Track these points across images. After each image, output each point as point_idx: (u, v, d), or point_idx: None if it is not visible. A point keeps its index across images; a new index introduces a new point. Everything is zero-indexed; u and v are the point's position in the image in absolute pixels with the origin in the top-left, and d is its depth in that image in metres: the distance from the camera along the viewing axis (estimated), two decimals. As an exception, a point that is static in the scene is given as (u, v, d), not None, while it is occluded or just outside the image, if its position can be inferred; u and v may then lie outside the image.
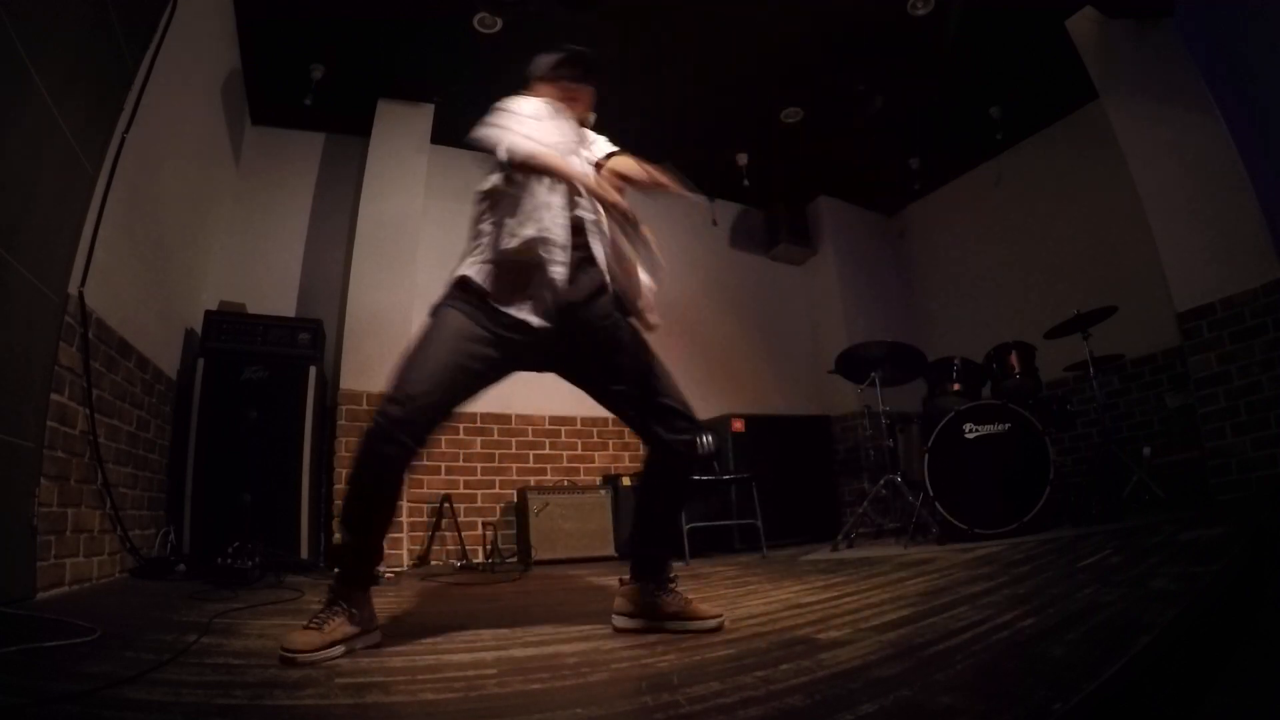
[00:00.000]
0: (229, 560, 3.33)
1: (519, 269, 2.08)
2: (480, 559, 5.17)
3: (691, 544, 4.58)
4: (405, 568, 4.83)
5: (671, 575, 2.14)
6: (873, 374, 4.92)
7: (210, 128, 4.76)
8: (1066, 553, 2.95)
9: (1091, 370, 4.63)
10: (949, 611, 1.92)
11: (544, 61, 2.61)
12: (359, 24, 4.87)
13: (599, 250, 2.19)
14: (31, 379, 2.55)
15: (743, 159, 6.66)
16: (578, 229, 2.15)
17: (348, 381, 5.07)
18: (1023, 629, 1.60)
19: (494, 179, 2.19)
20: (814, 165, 7.07)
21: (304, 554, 4.35)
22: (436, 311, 2.17)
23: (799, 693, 1.24)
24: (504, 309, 2.05)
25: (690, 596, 2.09)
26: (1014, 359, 4.74)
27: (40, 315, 2.59)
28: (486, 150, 2.13)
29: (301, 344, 4.66)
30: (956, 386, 4.83)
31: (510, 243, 2.08)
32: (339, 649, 1.72)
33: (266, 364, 4.44)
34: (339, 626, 1.76)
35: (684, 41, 5.23)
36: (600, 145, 2.47)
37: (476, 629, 2.17)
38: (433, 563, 5.20)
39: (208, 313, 4.48)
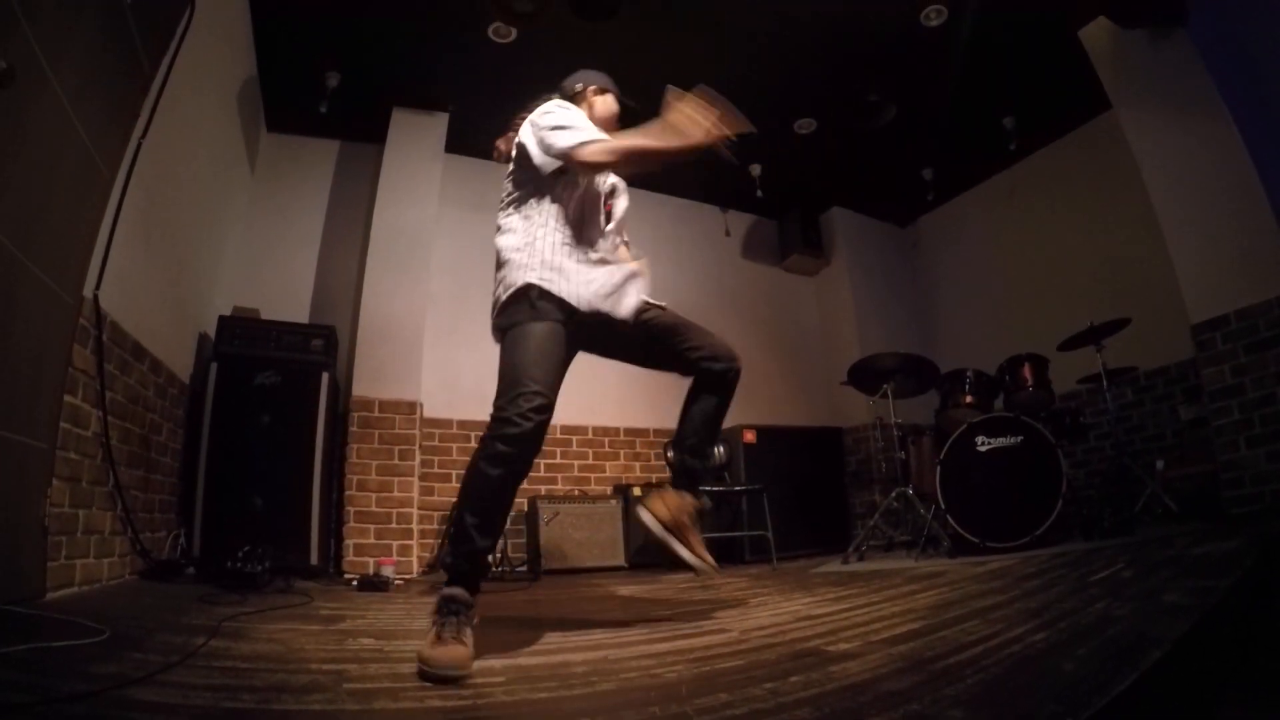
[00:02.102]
0: (239, 564, 3.34)
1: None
2: (490, 567, 5.16)
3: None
4: (415, 574, 4.83)
5: (705, 502, 2.30)
6: (885, 386, 4.90)
7: (226, 134, 4.80)
8: (1078, 566, 2.93)
9: (1105, 382, 4.59)
10: (960, 625, 1.91)
11: (592, 80, 2.93)
12: (374, 32, 4.91)
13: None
14: (45, 380, 2.57)
15: (756, 169, 6.67)
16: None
17: (360, 388, 5.09)
18: (1034, 643, 1.58)
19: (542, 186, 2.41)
20: (827, 176, 7.07)
21: (314, 559, 4.35)
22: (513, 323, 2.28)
23: (808, 705, 1.23)
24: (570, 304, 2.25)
25: (703, 540, 2.35)
26: (1027, 371, 4.71)
27: (55, 317, 2.61)
28: (578, 147, 2.28)
29: (314, 350, 4.68)
30: (969, 399, 4.80)
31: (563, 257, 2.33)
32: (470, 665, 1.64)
33: (279, 369, 4.46)
34: (470, 634, 1.76)
35: (697, 52, 5.24)
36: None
37: (485, 637, 2.17)
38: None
39: (221, 317, 4.51)
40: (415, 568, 4.93)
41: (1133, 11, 4.64)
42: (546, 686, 1.46)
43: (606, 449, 6.34)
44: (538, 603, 3.25)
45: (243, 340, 4.46)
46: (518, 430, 2.00)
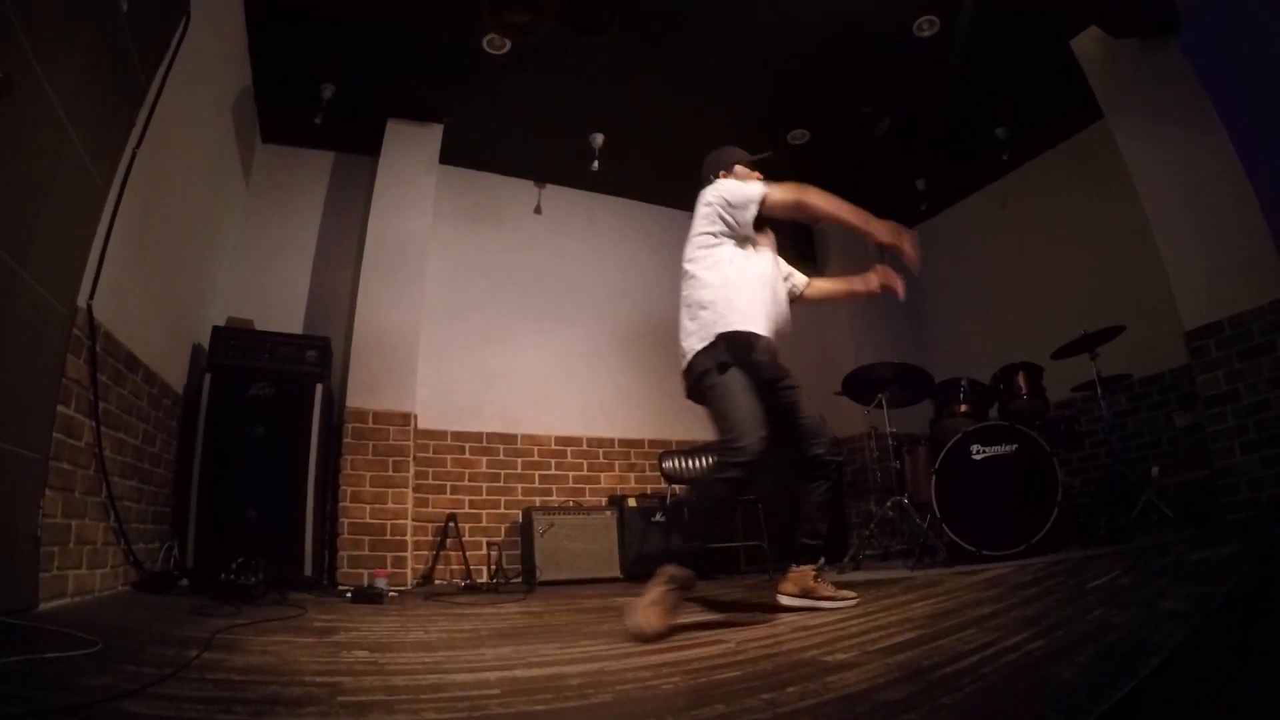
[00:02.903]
0: (232, 576, 3.32)
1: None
2: (485, 579, 5.15)
3: (696, 566, 4.54)
4: (409, 586, 4.81)
5: (821, 563, 2.89)
6: (880, 395, 4.90)
7: (221, 144, 4.80)
8: (1075, 574, 2.93)
9: (1099, 390, 4.61)
10: (957, 634, 1.90)
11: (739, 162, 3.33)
12: (369, 44, 4.92)
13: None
14: (38, 390, 2.56)
15: (750, 178, 6.67)
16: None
17: (354, 400, 5.08)
18: (1031, 651, 1.58)
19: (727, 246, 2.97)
20: (820, 186, 7.05)
21: (308, 571, 4.33)
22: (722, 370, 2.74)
23: (805, 716, 1.22)
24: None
25: (832, 583, 2.85)
26: (1021, 380, 4.72)
27: (49, 327, 2.60)
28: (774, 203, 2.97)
29: (309, 361, 4.67)
30: (964, 408, 4.81)
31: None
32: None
33: (273, 380, 4.45)
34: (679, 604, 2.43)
35: (691, 64, 5.27)
36: (794, 273, 3.44)
37: (480, 649, 2.16)
38: (437, 582, 5.18)
39: (215, 328, 4.50)
40: (409, 579, 4.91)
41: (1124, 21, 4.68)
42: (542, 699, 1.45)
43: (601, 460, 6.33)
44: (533, 614, 3.23)
45: (237, 351, 4.45)
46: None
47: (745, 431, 2.55)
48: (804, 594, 2.79)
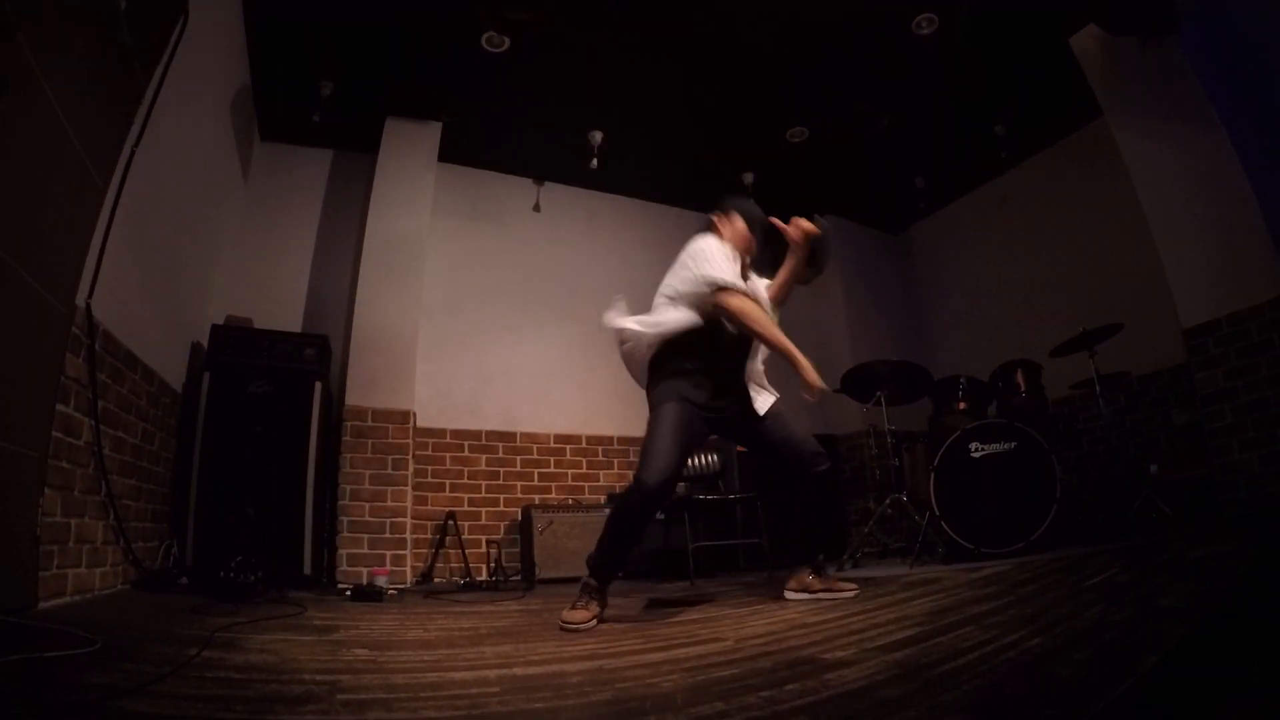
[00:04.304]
0: (231, 574, 3.32)
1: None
2: (484, 577, 5.15)
3: (696, 563, 4.56)
4: (409, 584, 4.81)
5: (820, 559, 3.14)
6: (878, 393, 4.90)
7: (219, 143, 4.79)
8: (1073, 571, 2.93)
9: (1098, 388, 4.61)
10: (955, 631, 1.91)
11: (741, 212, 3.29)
12: (368, 41, 4.92)
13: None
14: (37, 389, 2.56)
15: (749, 178, 6.68)
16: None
17: (353, 397, 5.08)
18: (1030, 649, 1.58)
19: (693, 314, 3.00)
20: (819, 184, 7.09)
21: (307, 569, 4.34)
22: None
23: (804, 713, 1.22)
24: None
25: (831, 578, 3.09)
26: (1020, 377, 4.73)
27: (48, 326, 2.60)
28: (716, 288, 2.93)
29: (307, 359, 4.67)
30: (962, 405, 4.81)
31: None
32: (594, 622, 2.59)
33: (272, 379, 4.45)
34: (594, 607, 2.68)
35: (690, 62, 5.27)
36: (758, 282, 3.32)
37: (479, 647, 2.16)
38: (436, 580, 5.19)
39: (214, 326, 4.50)
40: (409, 577, 4.91)
41: (1123, 19, 4.67)
42: (542, 696, 1.45)
43: (600, 457, 6.34)
44: (532, 612, 3.23)
45: (236, 349, 4.45)
46: None
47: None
48: (802, 589, 3.06)
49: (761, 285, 3.29)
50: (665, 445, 2.89)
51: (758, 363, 3.25)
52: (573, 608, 2.64)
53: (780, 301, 3.29)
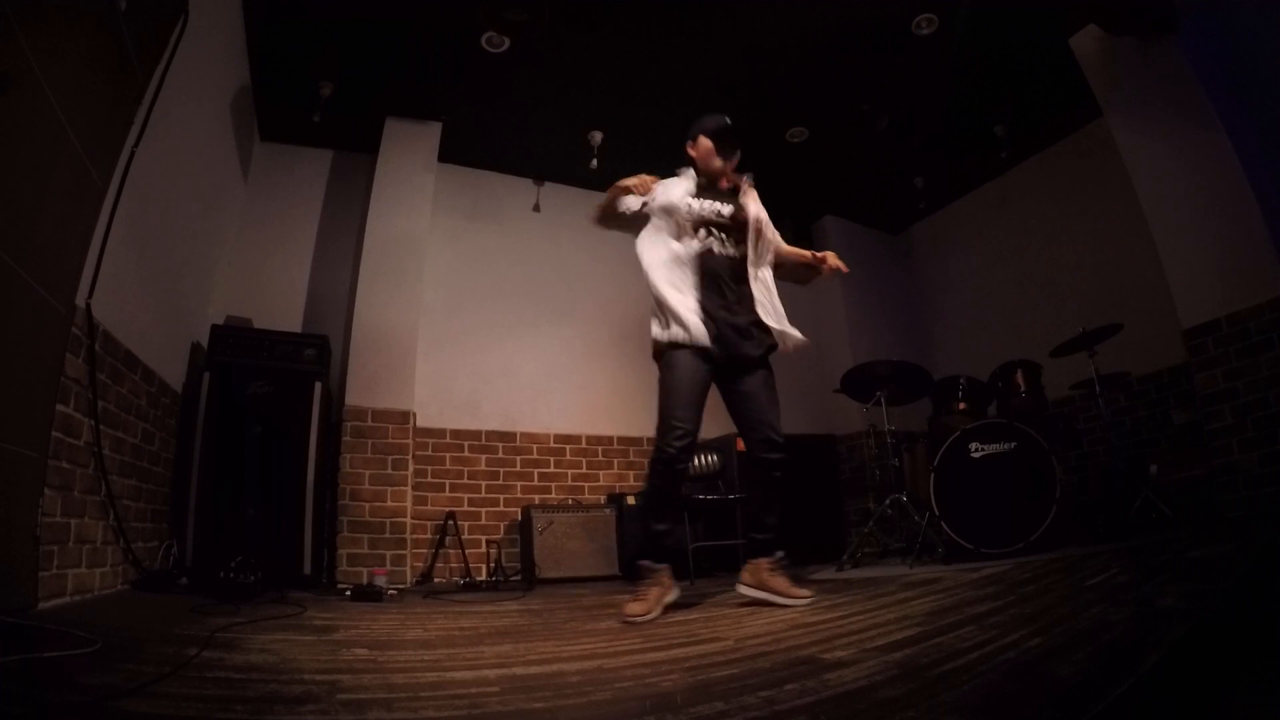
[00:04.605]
0: (231, 574, 3.32)
1: None
2: (484, 576, 5.15)
3: (696, 563, 4.56)
4: (409, 584, 4.81)
5: (778, 557, 2.90)
6: (878, 393, 4.90)
7: (219, 143, 4.79)
8: (1073, 572, 2.93)
9: (1097, 388, 4.61)
10: (955, 631, 1.91)
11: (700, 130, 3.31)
12: (368, 41, 4.92)
13: None
14: (37, 389, 2.56)
15: (749, 177, 6.66)
16: None
17: (353, 397, 5.08)
18: (1029, 649, 1.58)
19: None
20: (819, 184, 7.09)
21: (307, 569, 4.34)
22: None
23: (803, 713, 1.22)
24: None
25: (789, 579, 2.87)
26: (1020, 377, 4.73)
27: (48, 326, 2.60)
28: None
29: (307, 360, 4.67)
30: (962, 405, 4.82)
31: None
32: (653, 613, 2.58)
33: (272, 379, 4.45)
34: (651, 596, 2.65)
35: (690, 62, 5.26)
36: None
37: (479, 647, 2.16)
38: (436, 580, 5.19)
39: (214, 327, 4.50)
40: (409, 577, 4.91)
41: (1123, 19, 4.67)
42: (541, 696, 1.45)
43: (600, 458, 6.34)
44: (532, 612, 3.23)
45: (235, 350, 4.45)
46: None
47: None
48: (758, 586, 2.88)
49: (752, 198, 3.27)
50: (664, 401, 2.87)
51: (754, 288, 3.10)
52: (634, 599, 2.63)
53: (780, 265, 3.38)
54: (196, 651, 1.85)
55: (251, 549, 3.62)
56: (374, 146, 5.72)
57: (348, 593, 3.96)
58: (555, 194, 6.84)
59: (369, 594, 3.86)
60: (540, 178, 6.79)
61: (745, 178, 3.27)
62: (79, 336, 2.87)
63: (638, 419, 6.42)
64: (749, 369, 2.98)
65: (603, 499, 5.98)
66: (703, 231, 3.03)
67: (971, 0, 4.66)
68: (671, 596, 2.81)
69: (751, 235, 3.10)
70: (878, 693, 1.32)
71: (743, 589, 2.92)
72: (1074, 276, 6.12)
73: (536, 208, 6.73)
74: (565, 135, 6.06)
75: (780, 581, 2.84)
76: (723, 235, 3.06)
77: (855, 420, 6.44)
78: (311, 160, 5.99)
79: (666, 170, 3.07)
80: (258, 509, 4.15)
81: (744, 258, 3.07)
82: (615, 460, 6.37)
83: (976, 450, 4.25)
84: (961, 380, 4.90)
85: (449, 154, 6.01)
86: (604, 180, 6.65)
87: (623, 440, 6.42)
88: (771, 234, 3.23)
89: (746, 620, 2.54)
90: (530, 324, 6.38)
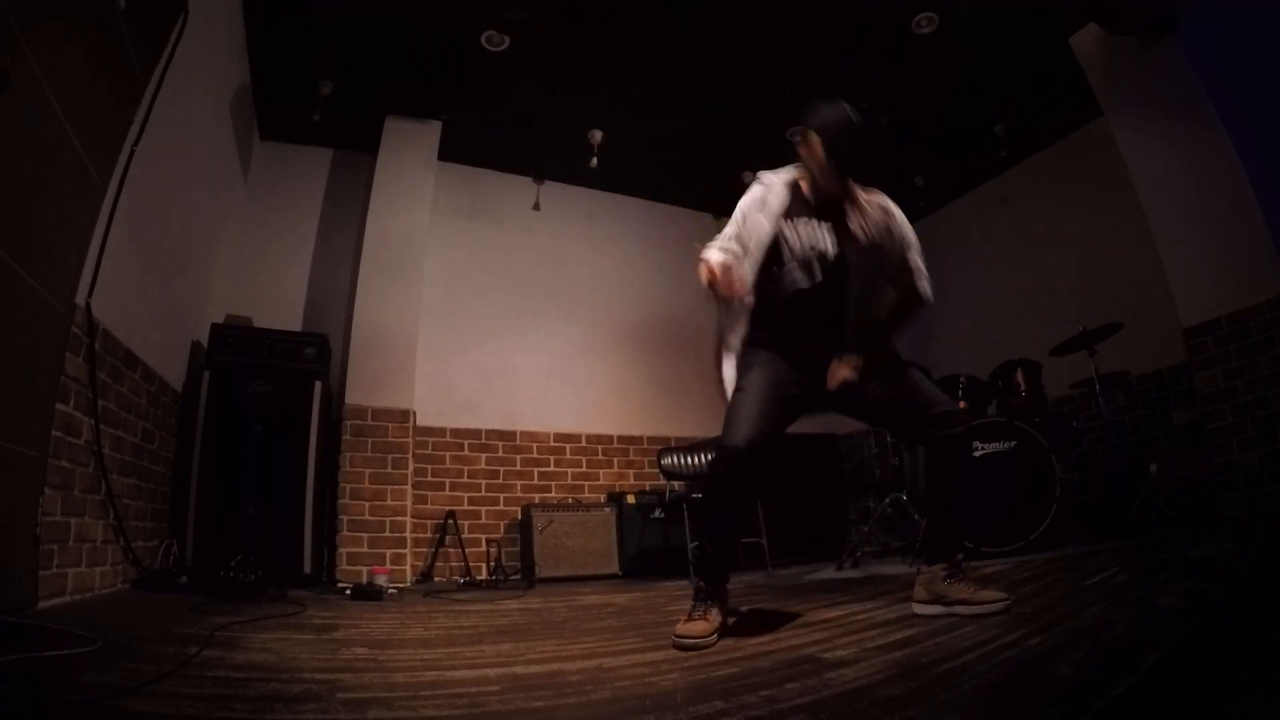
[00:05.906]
0: (231, 573, 3.32)
1: None
2: (484, 575, 5.15)
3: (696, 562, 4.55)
4: (409, 583, 4.81)
5: (960, 560, 2.37)
6: (878, 391, 4.89)
7: (219, 142, 4.78)
8: (1073, 571, 2.93)
9: (1097, 387, 4.61)
10: (955, 630, 1.91)
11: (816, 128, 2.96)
12: (368, 40, 4.91)
13: None
14: (37, 388, 2.56)
15: (749, 177, 6.65)
16: None
17: (353, 396, 5.07)
18: (1029, 648, 1.58)
19: None
20: (819, 183, 7.06)
21: (307, 568, 4.34)
22: None
23: (804, 712, 1.22)
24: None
25: (975, 583, 2.32)
26: (1020, 376, 4.72)
27: (47, 325, 2.60)
28: None
29: (307, 358, 4.67)
30: (962, 404, 4.81)
31: None
32: (714, 636, 2.12)
33: (272, 378, 4.45)
34: (716, 615, 2.22)
35: (689, 61, 5.26)
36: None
37: (479, 646, 2.16)
38: (436, 579, 5.19)
39: (214, 326, 4.49)
40: (409, 576, 4.91)
41: (1123, 18, 4.66)
42: (541, 695, 1.46)
43: (600, 457, 6.34)
44: (532, 611, 3.24)
45: (235, 348, 4.44)
46: None
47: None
48: (937, 599, 2.32)
49: (873, 204, 2.86)
50: (735, 412, 2.45)
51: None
52: (688, 618, 2.17)
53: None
54: (197, 650, 1.85)
55: (251, 548, 3.62)
56: (374, 145, 5.71)
57: (348, 592, 3.96)
58: (555, 192, 6.83)
59: (369, 593, 3.86)
60: (540, 176, 6.78)
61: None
62: (79, 335, 2.87)
63: (637, 418, 6.43)
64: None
65: (603, 498, 5.98)
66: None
67: (972, 0, 4.66)
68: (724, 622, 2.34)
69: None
70: (878, 691, 1.33)
71: (919, 609, 2.36)
72: (1074, 275, 6.11)
73: (536, 206, 6.73)
74: (565, 134, 6.05)
75: (963, 589, 2.27)
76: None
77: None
78: (311, 159, 5.98)
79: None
80: (258, 508, 4.15)
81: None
82: (615, 459, 6.37)
83: (976, 449, 4.25)
84: (961, 379, 4.90)
85: (449, 153, 6.00)
86: (604, 179, 6.72)
87: (623, 439, 6.42)
88: None
89: (746, 620, 2.54)
90: (530, 323, 6.38)
